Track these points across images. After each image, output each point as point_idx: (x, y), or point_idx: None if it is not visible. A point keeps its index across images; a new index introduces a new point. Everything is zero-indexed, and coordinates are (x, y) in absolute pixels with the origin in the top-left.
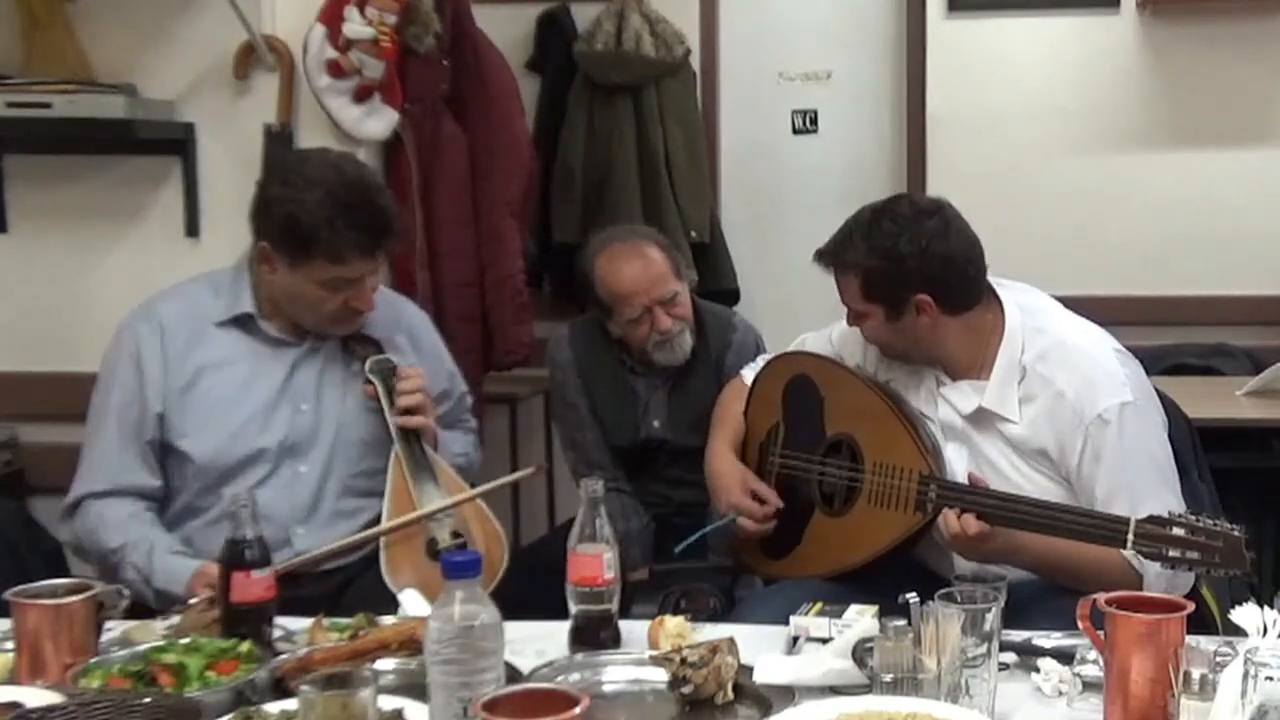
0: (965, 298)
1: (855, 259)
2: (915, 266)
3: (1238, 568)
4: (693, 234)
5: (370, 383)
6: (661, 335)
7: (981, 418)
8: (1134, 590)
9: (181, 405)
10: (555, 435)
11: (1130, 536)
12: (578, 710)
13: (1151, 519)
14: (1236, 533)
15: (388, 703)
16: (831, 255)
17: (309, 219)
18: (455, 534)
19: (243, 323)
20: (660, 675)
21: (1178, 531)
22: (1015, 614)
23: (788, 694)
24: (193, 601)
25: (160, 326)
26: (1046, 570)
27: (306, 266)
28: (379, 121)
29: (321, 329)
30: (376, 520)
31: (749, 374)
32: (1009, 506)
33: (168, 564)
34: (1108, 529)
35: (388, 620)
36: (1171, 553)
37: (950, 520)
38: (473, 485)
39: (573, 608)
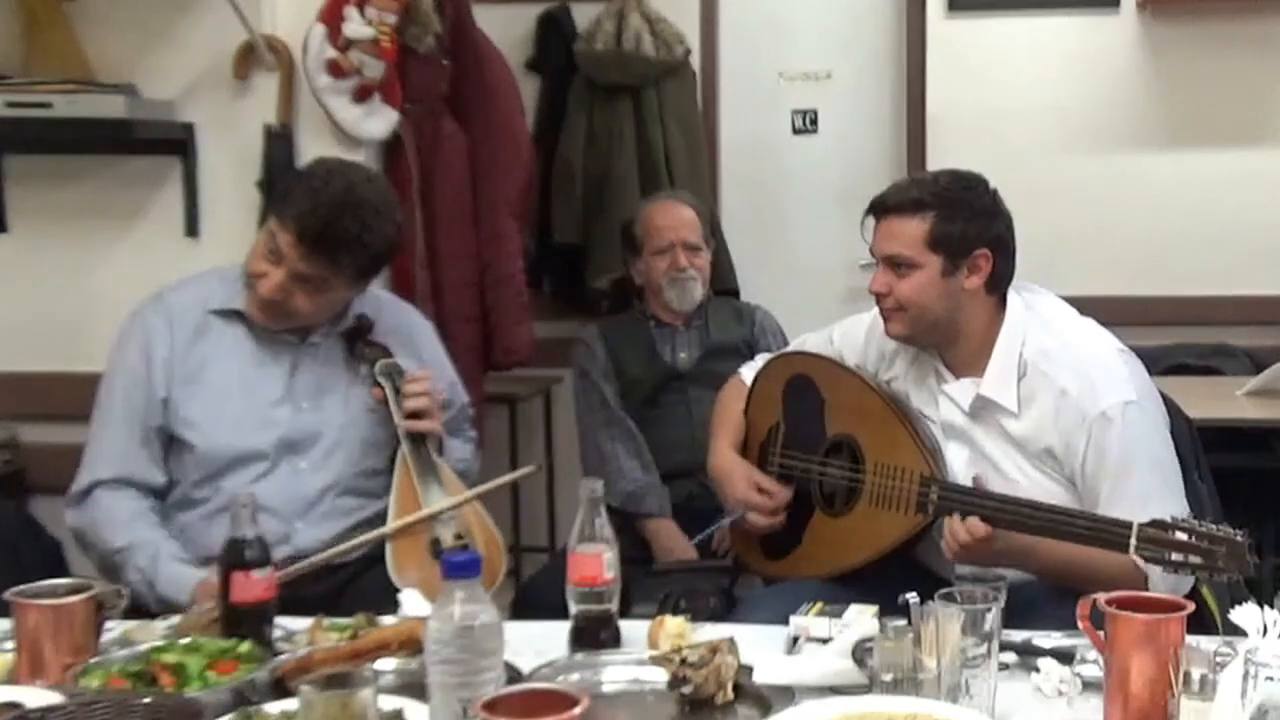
0: (1008, 275)
1: (933, 201)
2: (987, 223)
3: (1241, 572)
4: None
5: (379, 385)
6: (678, 272)
7: (981, 412)
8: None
9: (186, 393)
10: (555, 435)
11: (1133, 541)
12: (578, 710)
13: (1154, 523)
14: (1239, 537)
15: (388, 703)
16: (901, 196)
17: (290, 184)
18: (459, 535)
19: (244, 317)
20: (660, 675)
21: (1180, 535)
22: (1015, 614)
23: (788, 694)
24: (195, 610)
25: (170, 315)
26: (1050, 574)
27: (266, 224)
28: (379, 121)
29: (251, 312)
30: (377, 519)
31: (748, 374)
32: (1010, 509)
33: (173, 571)
34: (1110, 533)
35: (388, 620)
36: (1174, 557)
37: (955, 528)
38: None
39: (573, 608)
